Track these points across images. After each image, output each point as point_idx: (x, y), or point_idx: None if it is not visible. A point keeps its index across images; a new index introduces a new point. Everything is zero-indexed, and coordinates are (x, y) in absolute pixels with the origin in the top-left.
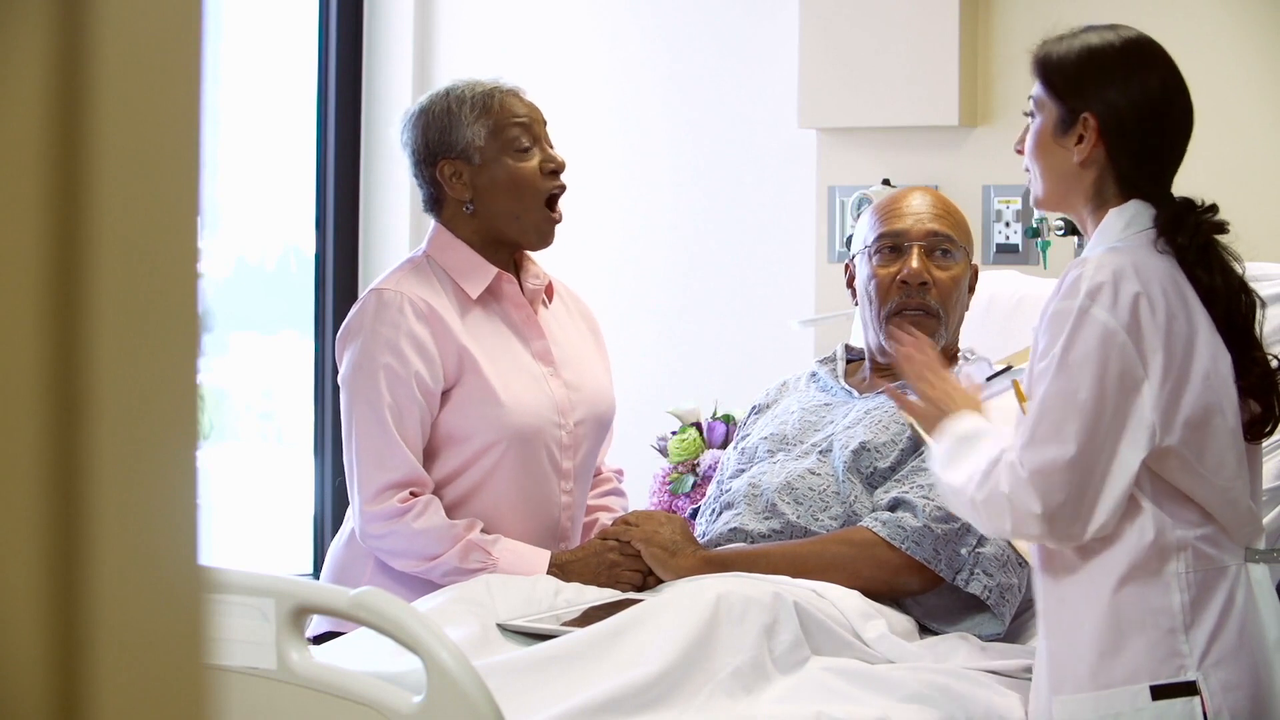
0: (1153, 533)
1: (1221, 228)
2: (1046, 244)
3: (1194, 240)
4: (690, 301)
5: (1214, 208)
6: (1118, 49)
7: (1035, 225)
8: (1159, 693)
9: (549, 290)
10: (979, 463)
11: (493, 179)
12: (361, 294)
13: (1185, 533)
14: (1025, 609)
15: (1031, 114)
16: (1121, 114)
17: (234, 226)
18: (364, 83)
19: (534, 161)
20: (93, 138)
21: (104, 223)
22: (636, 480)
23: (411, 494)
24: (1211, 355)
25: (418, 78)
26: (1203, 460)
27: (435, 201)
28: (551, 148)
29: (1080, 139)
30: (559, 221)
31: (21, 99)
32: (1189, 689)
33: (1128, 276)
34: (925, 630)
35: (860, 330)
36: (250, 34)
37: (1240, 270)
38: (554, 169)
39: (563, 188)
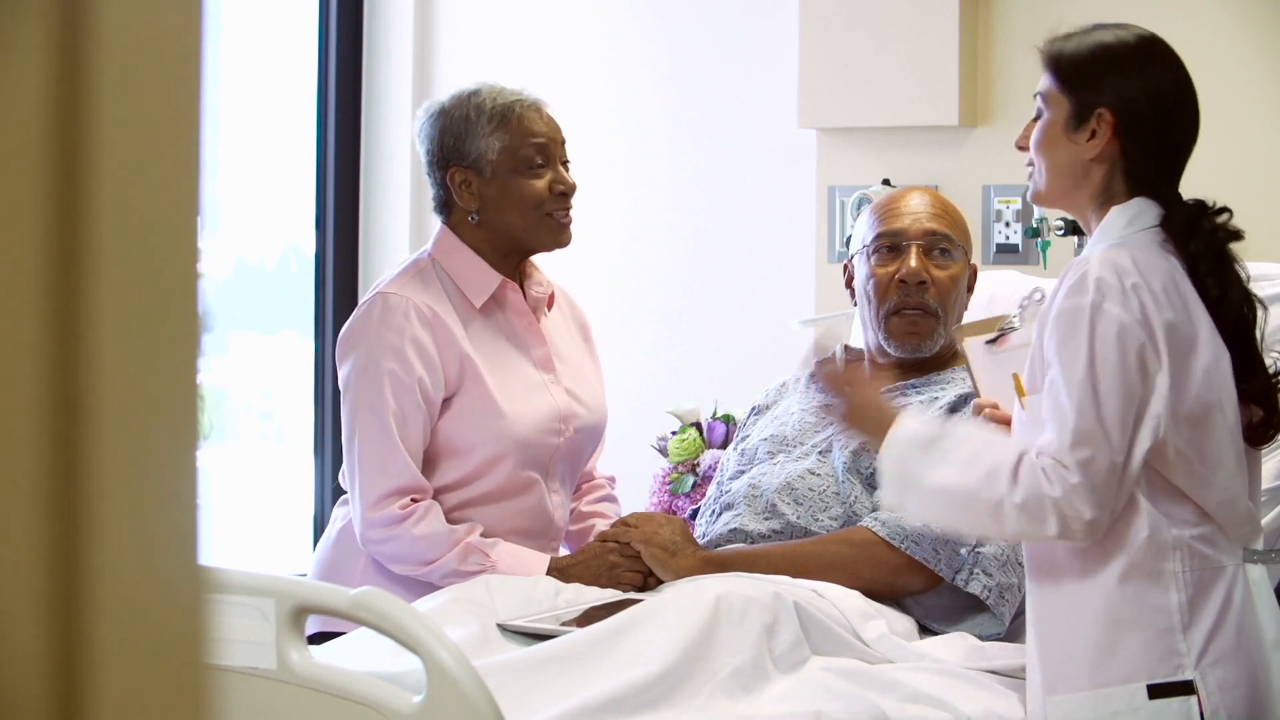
0: (1147, 531)
1: (1237, 235)
2: (1046, 244)
3: (1209, 248)
4: (690, 302)
5: (1227, 210)
6: (1131, 45)
7: (1035, 225)
8: (1156, 691)
9: (550, 298)
10: (996, 462)
11: (501, 193)
12: (362, 295)
13: (1181, 532)
14: (1025, 608)
15: (1039, 110)
16: (1138, 108)
17: (234, 226)
18: (364, 83)
19: (544, 181)
20: (93, 138)
21: (104, 223)
22: (636, 481)
23: (412, 500)
24: (1213, 353)
25: (418, 78)
26: (1202, 458)
27: (444, 204)
28: (566, 169)
29: (1093, 134)
30: (567, 225)
31: (21, 99)
32: (1186, 688)
33: (1129, 272)
34: (925, 630)
35: (860, 330)
36: (250, 34)
37: (1245, 275)
38: (563, 190)
39: (567, 208)
